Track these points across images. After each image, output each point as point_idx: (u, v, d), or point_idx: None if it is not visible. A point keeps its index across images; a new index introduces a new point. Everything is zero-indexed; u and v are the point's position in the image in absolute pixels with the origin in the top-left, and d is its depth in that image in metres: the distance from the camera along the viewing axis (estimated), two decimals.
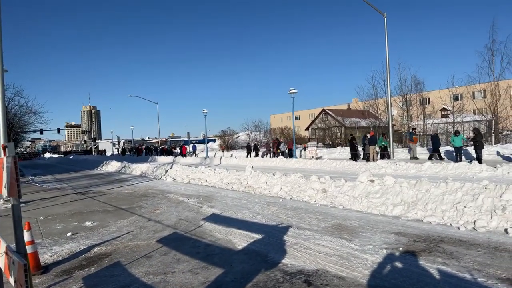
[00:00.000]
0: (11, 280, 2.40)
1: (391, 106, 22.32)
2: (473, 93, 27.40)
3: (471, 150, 17.82)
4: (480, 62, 28.02)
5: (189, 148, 41.14)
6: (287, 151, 28.15)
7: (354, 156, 21.97)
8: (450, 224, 6.28)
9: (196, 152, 40.00)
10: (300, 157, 26.48)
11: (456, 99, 29.47)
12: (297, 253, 5.15)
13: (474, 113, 29.26)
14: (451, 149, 18.63)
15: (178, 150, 43.86)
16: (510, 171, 11.58)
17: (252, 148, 32.02)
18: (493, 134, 24.85)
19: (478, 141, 16.17)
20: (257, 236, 6.15)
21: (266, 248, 5.45)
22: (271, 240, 5.88)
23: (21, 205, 11.00)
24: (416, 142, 20.81)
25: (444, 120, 31.04)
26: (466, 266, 4.33)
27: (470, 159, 17.03)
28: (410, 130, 22.71)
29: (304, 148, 27.75)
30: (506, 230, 5.63)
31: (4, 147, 2.50)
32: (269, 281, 4.19)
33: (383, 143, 21.33)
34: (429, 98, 33.46)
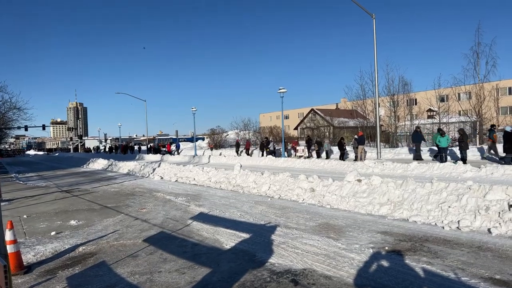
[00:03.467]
0: None
1: (379, 106, 22.48)
2: (459, 94, 27.87)
3: (456, 150, 18.12)
4: (465, 64, 28.50)
5: (172, 147, 41.46)
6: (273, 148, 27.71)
7: (342, 156, 22.16)
8: (435, 224, 6.37)
9: (180, 151, 40.29)
10: (289, 156, 26.55)
11: (442, 100, 29.91)
12: (284, 252, 5.16)
13: (459, 114, 29.74)
14: (436, 149, 18.91)
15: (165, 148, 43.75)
16: (493, 171, 11.81)
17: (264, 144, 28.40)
18: (477, 135, 25.32)
19: (463, 142, 16.45)
20: (245, 235, 6.14)
21: (253, 248, 5.45)
22: (259, 239, 5.87)
23: (3, 203, 10.74)
24: (497, 141, 16.99)
25: (430, 120, 31.49)
26: (450, 265, 4.40)
27: (455, 159, 17.32)
28: (489, 127, 18.34)
29: (293, 148, 27.79)
30: (489, 229, 5.74)
31: None
32: (256, 280, 4.18)
33: (439, 142, 17.79)
34: (416, 99, 33.91)
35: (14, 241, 4.73)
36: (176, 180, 15.36)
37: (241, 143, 33.28)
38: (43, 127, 55.99)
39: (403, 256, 4.81)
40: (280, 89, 25.61)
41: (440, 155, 17.13)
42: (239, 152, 31.81)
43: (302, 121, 56.16)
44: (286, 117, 67.05)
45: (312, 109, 53.23)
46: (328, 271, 4.38)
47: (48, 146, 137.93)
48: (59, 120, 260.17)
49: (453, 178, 11.74)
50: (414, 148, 20.15)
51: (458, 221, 6.14)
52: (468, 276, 4.06)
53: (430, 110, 33.73)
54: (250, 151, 30.90)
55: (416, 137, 20.07)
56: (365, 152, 21.40)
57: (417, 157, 19.23)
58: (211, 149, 40.08)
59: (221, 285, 4.11)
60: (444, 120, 27.84)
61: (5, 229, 4.37)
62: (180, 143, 44.69)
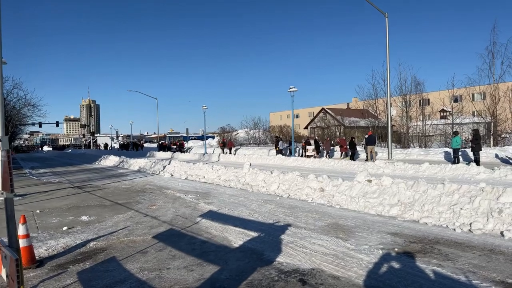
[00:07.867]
0: (3, 274, 2.38)
1: (391, 106, 22.19)
2: (473, 95, 27.40)
3: (469, 151, 17.83)
4: (480, 64, 27.98)
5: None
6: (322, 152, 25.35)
7: (352, 156, 22.00)
8: (446, 226, 6.28)
9: (184, 149, 41.97)
10: (299, 155, 26.46)
11: (455, 100, 29.46)
12: (292, 251, 5.14)
13: (473, 115, 29.26)
14: (450, 150, 18.65)
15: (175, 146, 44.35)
16: (507, 173, 11.58)
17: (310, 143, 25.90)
18: (491, 136, 24.88)
19: (476, 143, 16.16)
20: (254, 234, 6.15)
21: (262, 246, 5.45)
22: (267, 238, 5.87)
23: (17, 198, 10.93)
24: None
25: (443, 121, 31.04)
26: (461, 268, 4.33)
27: (468, 160, 17.04)
28: None
29: (303, 147, 27.69)
30: (502, 232, 5.63)
31: None
32: (264, 279, 4.18)
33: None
34: (428, 99, 33.44)
35: (27, 236, 4.81)
36: (186, 178, 15.45)
37: (226, 142, 36.74)
38: (57, 123, 56.85)
39: (413, 258, 4.76)
40: (290, 88, 25.53)
41: (454, 156, 16.87)
42: (224, 150, 34.95)
43: (312, 120, 55.98)
44: (297, 116, 66.91)
45: (322, 109, 53.01)
46: (336, 271, 4.36)
47: (61, 143, 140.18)
48: (72, 117, 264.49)
49: (465, 180, 11.55)
50: None
51: (470, 224, 6.04)
52: (480, 279, 3.99)
53: (443, 110, 33.25)
54: (233, 151, 33.94)
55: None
56: (376, 152, 21.19)
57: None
58: (221, 147, 40.27)
59: (229, 283, 4.12)
60: (458, 120, 27.41)
61: (18, 223, 4.45)
62: (185, 142, 45.72)
